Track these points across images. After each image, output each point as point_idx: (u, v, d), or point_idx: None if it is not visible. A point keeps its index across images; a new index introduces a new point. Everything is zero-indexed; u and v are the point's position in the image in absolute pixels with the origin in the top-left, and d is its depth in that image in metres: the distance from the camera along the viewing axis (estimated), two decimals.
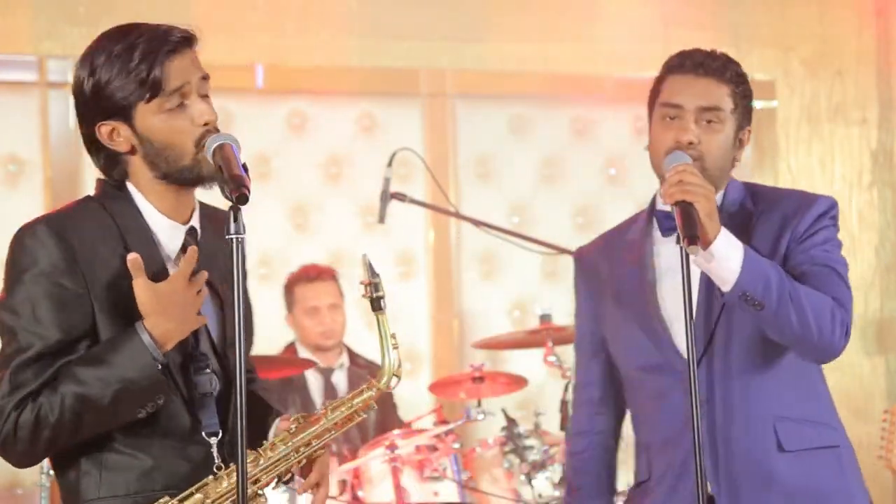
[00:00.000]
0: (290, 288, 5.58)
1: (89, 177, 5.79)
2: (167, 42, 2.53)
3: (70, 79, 5.73)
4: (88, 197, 2.55)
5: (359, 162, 6.12)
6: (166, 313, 2.38)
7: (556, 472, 4.89)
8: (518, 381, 5.08)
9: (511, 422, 4.95)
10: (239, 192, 2.34)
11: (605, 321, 3.01)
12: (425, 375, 6.12)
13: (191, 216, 2.55)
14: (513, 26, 6.25)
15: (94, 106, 2.47)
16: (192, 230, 2.55)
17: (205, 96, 2.52)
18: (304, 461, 2.55)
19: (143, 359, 2.37)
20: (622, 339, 2.97)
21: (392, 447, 4.63)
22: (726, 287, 2.74)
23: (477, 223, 5.02)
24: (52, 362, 2.37)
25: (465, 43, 6.24)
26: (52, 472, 4.26)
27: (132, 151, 2.49)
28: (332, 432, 2.57)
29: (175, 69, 2.49)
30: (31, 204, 5.69)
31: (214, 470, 2.45)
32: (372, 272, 2.54)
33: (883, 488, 6.38)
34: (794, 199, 2.95)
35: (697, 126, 2.88)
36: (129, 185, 2.52)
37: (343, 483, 4.74)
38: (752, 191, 2.99)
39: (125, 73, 2.47)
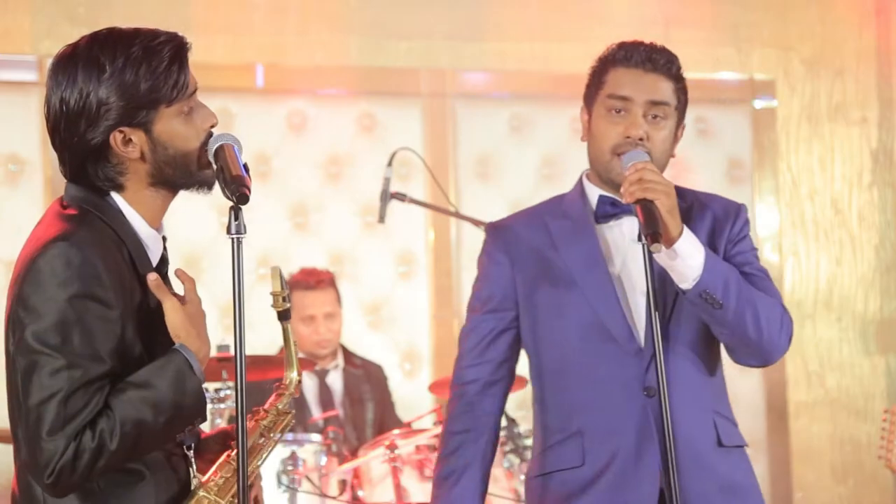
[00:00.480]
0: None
1: None
2: (184, 46, 2.49)
3: None
4: (84, 209, 2.48)
5: (359, 162, 6.12)
6: (199, 335, 2.38)
7: None
8: (518, 381, 5.06)
9: (511, 421, 4.95)
10: (240, 192, 2.35)
11: (537, 296, 2.92)
12: (425, 375, 6.12)
13: (162, 225, 2.52)
14: (513, 26, 6.25)
15: (111, 111, 2.39)
16: (164, 239, 2.53)
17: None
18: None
19: (193, 384, 2.35)
20: (568, 315, 2.88)
21: (392, 447, 4.63)
22: (686, 285, 2.75)
23: (477, 223, 5.02)
24: (101, 387, 2.28)
25: (465, 43, 6.24)
26: None
27: (141, 159, 2.43)
28: (256, 461, 2.52)
29: (188, 75, 2.48)
30: (31, 204, 5.69)
31: (191, 480, 2.44)
32: (283, 284, 2.53)
33: (883, 488, 6.38)
34: (720, 202, 3.00)
35: (645, 121, 2.87)
36: (113, 195, 2.47)
37: (343, 483, 4.75)
38: (678, 190, 2.92)
39: (152, 76, 2.42)
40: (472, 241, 6.09)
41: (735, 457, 2.91)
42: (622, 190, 2.78)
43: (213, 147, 2.44)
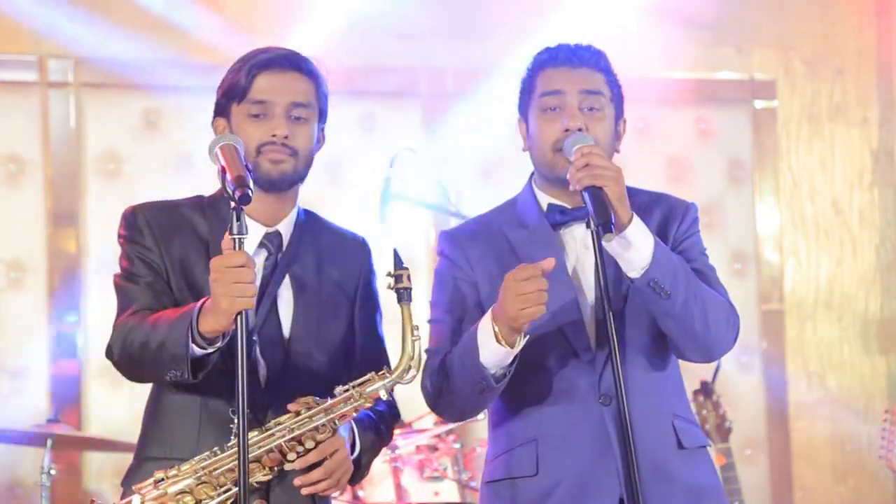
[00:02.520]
0: None
1: (89, 176, 5.80)
2: (265, 58, 2.77)
3: (70, 78, 5.77)
4: (198, 196, 2.87)
5: (360, 162, 6.12)
6: (221, 288, 2.47)
7: None
8: None
9: None
10: (242, 192, 2.39)
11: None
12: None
13: (279, 222, 2.75)
14: (513, 26, 6.25)
15: (216, 102, 2.82)
16: (275, 234, 2.74)
17: (297, 119, 2.75)
18: (312, 444, 2.63)
19: (180, 330, 2.53)
20: (532, 326, 2.80)
21: (392, 447, 4.63)
22: (635, 273, 2.70)
23: None
24: (149, 290, 2.71)
25: (465, 43, 6.24)
26: (52, 471, 4.31)
27: None
28: (334, 414, 2.63)
29: (265, 83, 2.74)
30: (31, 203, 5.69)
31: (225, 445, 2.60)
32: (400, 264, 2.58)
33: (883, 488, 6.38)
34: (668, 200, 2.95)
35: (581, 113, 2.83)
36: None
37: None
38: (626, 187, 2.89)
39: (231, 77, 2.78)
40: None
41: (697, 458, 2.86)
42: (569, 176, 2.73)
43: (214, 148, 2.49)
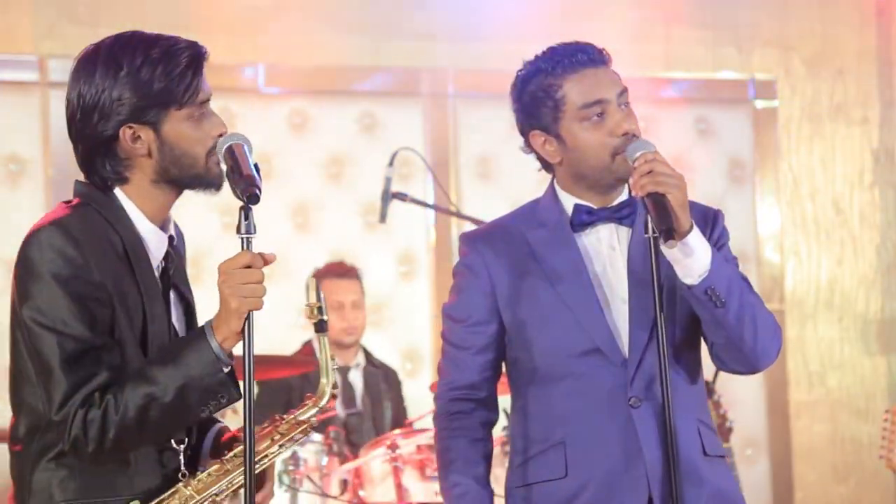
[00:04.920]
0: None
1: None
2: (201, 55, 2.54)
3: None
4: (81, 202, 2.59)
5: (360, 161, 6.12)
6: (231, 292, 2.38)
7: None
8: None
9: None
10: (250, 192, 2.37)
11: (515, 307, 2.81)
12: (426, 375, 6.12)
13: (169, 225, 2.60)
14: (514, 26, 6.25)
15: (123, 107, 2.51)
16: (171, 238, 2.59)
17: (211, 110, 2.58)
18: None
19: (207, 356, 2.39)
20: (551, 324, 2.77)
21: (393, 447, 4.63)
22: (691, 280, 2.66)
23: (478, 223, 5.01)
24: (98, 357, 2.40)
25: (466, 42, 6.24)
26: None
27: (147, 155, 2.52)
28: (266, 461, 2.53)
29: (203, 82, 2.54)
30: (32, 203, 5.69)
31: (180, 477, 2.46)
32: (318, 296, 2.54)
33: (884, 488, 6.38)
34: (697, 208, 2.84)
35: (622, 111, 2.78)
36: (117, 190, 2.56)
37: (344, 483, 4.75)
38: None
39: (167, 77, 2.49)
40: None
41: (719, 465, 2.82)
42: (631, 182, 2.68)
43: (222, 147, 2.47)
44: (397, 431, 4.82)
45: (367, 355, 5.69)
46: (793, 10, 6.60)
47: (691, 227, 2.65)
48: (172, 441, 2.47)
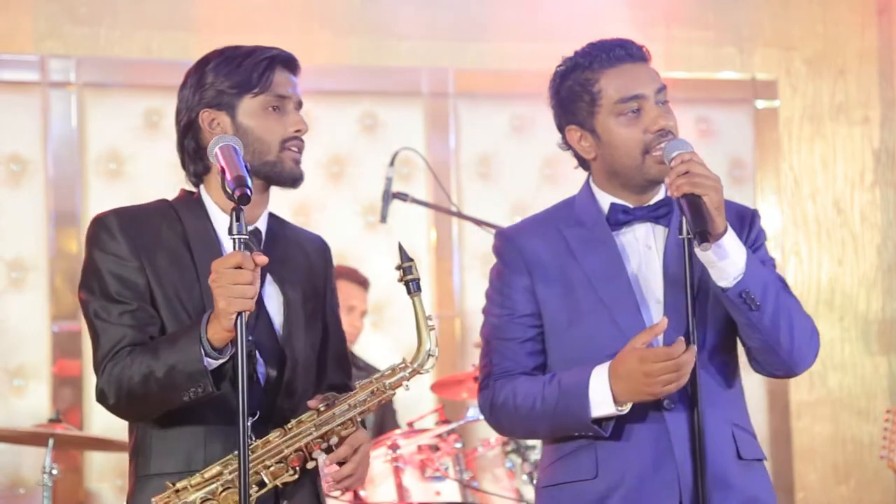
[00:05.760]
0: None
1: (91, 176, 5.81)
2: (281, 56, 2.75)
3: (71, 78, 5.77)
4: (163, 199, 2.77)
5: (361, 161, 6.12)
6: (221, 292, 2.45)
7: None
8: None
9: None
10: (241, 192, 2.39)
11: (554, 303, 2.80)
12: (427, 375, 6.10)
13: (257, 219, 2.74)
14: (514, 26, 6.25)
15: (202, 93, 2.71)
16: (255, 231, 2.72)
17: (299, 114, 2.76)
18: (337, 439, 2.64)
19: (193, 348, 2.49)
20: (587, 323, 2.77)
21: (394, 447, 4.63)
22: (726, 283, 2.64)
23: (478, 223, 5.02)
24: (133, 316, 2.60)
25: (466, 42, 6.24)
26: (54, 471, 4.31)
27: None
28: (357, 409, 2.64)
29: (282, 79, 2.73)
30: (32, 203, 5.69)
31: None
32: (406, 257, 2.61)
33: (885, 488, 6.38)
34: (733, 207, 2.82)
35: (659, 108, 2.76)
36: (202, 190, 2.75)
37: None
38: None
39: (240, 67, 2.71)
40: (474, 241, 6.11)
41: (754, 470, 2.79)
42: (667, 181, 2.66)
43: (213, 148, 2.51)
44: (398, 431, 4.82)
45: (353, 357, 5.69)
46: (794, 11, 6.60)
47: (726, 230, 2.64)
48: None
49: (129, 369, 2.54)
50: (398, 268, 2.62)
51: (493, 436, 5.00)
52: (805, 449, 6.44)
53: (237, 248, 2.43)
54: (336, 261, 5.84)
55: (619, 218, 2.80)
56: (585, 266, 2.79)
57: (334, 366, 2.88)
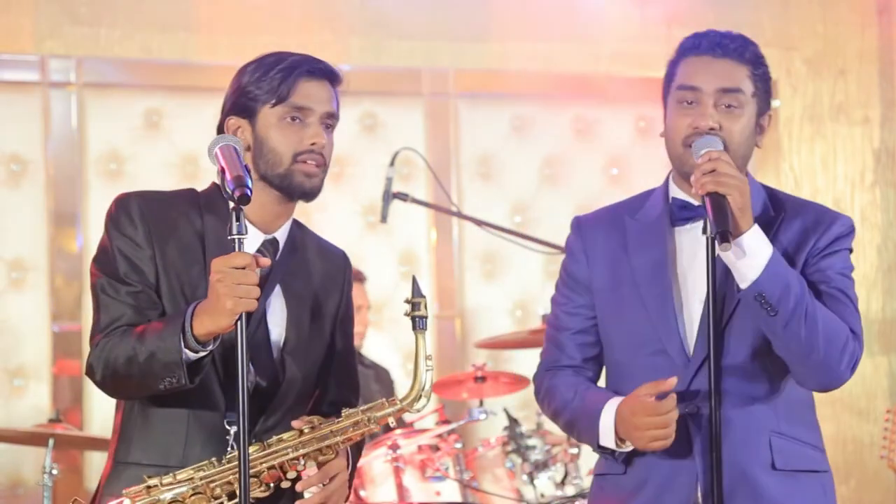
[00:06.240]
0: None
1: (91, 176, 5.81)
2: (307, 65, 2.72)
3: (72, 78, 5.77)
4: (190, 189, 2.77)
5: (361, 161, 6.12)
6: (217, 292, 2.45)
7: (558, 471, 4.89)
8: (520, 381, 5.08)
9: (513, 421, 4.95)
10: (241, 192, 2.39)
11: (603, 296, 2.82)
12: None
13: (276, 230, 2.72)
14: (514, 26, 6.25)
15: (230, 102, 2.73)
16: (272, 241, 2.71)
17: (328, 130, 2.73)
18: (314, 463, 2.61)
19: (171, 337, 2.50)
20: (627, 320, 2.77)
21: (394, 447, 4.63)
22: (744, 284, 2.61)
23: (479, 223, 5.02)
24: (134, 297, 2.61)
25: (467, 43, 6.24)
26: (54, 471, 4.30)
27: (247, 149, 2.68)
28: (339, 438, 2.61)
29: (306, 90, 2.70)
30: (33, 203, 5.69)
31: (223, 455, 2.56)
32: (418, 292, 2.58)
33: (886, 488, 6.38)
34: (816, 212, 2.78)
35: (717, 111, 2.71)
36: None
37: None
38: (772, 195, 2.81)
39: (264, 78, 2.69)
40: (475, 241, 6.11)
41: (795, 482, 2.71)
42: (692, 179, 2.64)
43: (213, 149, 2.50)
44: (398, 432, 4.81)
45: (359, 356, 5.69)
46: (794, 11, 6.60)
47: (749, 229, 2.61)
48: (225, 422, 2.59)
49: (117, 349, 2.56)
50: (408, 301, 2.59)
51: (493, 436, 5.01)
52: None
53: (237, 248, 2.42)
54: None
55: (677, 213, 2.77)
56: (634, 262, 2.79)
57: (339, 382, 2.85)
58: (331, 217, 6.09)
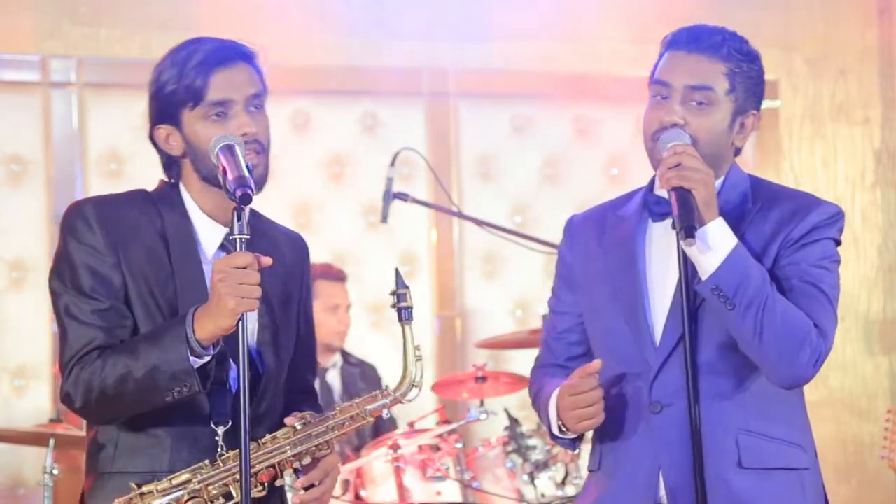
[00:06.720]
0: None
1: (91, 176, 5.81)
2: (217, 54, 2.61)
3: (72, 78, 5.77)
4: (142, 189, 2.72)
5: (362, 161, 6.12)
6: (219, 294, 2.42)
7: (558, 471, 4.89)
8: (520, 381, 5.08)
9: (514, 421, 4.95)
10: (243, 192, 2.39)
11: (584, 293, 2.81)
12: (428, 375, 6.12)
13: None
14: (514, 26, 6.25)
15: (154, 109, 2.65)
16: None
17: (256, 109, 2.63)
18: (310, 459, 2.59)
19: (178, 347, 2.45)
20: (601, 318, 2.76)
21: (395, 447, 4.63)
22: (702, 277, 2.58)
23: (479, 223, 5.02)
24: (104, 317, 2.53)
25: (466, 42, 6.24)
26: (55, 471, 4.31)
27: (183, 155, 2.63)
28: (334, 433, 2.59)
29: (220, 81, 2.59)
30: (33, 203, 5.69)
31: (216, 457, 2.52)
32: (401, 283, 2.57)
33: (886, 488, 6.38)
34: (795, 201, 2.71)
35: (684, 107, 2.66)
36: (181, 186, 2.67)
37: (346, 483, 4.75)
38: (756, 185, 2.76)
39: (177, 80, 2.60)
40: (475, 241, 6.11)
41: (767, 479, 2.66)
42: (658, 173, 2.64)
43: (215, 148, 2.49)
44: (399, 432, 4.82)
45: (345, 355, 5.69)
46: (795, 11, 6.60)
47: (712, 222, 2.58)
48: (212, 422, 2.54)
49: (102, 371, 2.48)
50: (392, 293, 2.57)
51: (493, 436, 5.01)
52: None
53: (240, 248, 2.41)
54: (337, 262, 5.90)
55: (655, 209, 2.74)
56: (608, 259, 2.77)
57: (304, 369, 2.81)
58: (331, 217, 6.09)
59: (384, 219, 4.92)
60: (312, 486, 2.63)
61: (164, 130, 2.64)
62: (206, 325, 2.44)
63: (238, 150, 2.49)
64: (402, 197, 4.92)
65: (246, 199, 2.40)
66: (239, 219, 2.41)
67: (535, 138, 6.35)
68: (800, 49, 6.62)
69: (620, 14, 6.27)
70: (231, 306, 2.40)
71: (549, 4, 6.29)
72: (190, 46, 2.63)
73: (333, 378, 5.61)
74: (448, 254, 6.22)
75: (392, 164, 4.92)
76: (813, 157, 6.62)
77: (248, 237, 2.42)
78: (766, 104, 6.83)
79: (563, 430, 2.73)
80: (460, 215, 5.41)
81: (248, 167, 2.46)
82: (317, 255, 5.90)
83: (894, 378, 6.58)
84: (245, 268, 2.41)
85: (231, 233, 2.42)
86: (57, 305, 2.57)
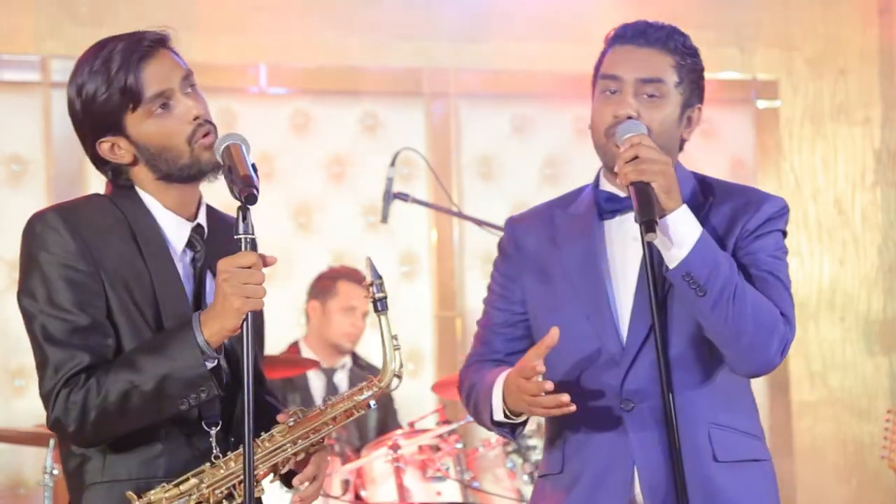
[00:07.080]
0: (331, 280, 5.62)
1: (92, 176, 5.80)
2: (138, 49, 2.54)
3: None
4: (97, 194, 2.60)
5: (362, 161, 6.12)
6: (225, 295, 2.39)
7: None
8: None
9: None
10: (248, 192, 2.37)
11: (535, 290, 2.77)
12: (428, 375, 6.12)
13: (197, 212, 2.60)
14: (515, 26, 6.25)
15: (89, 124, 2.53)
16: (198, 227, 2.60)
17: (192, 89, 2.56)
18: (303, 455, 2.57)
19: (191, 349, 2.40)
20: (561, 313, 2.70)
21: (395, 447, 4.63)
22: (672, 264, 2.56)
23: (479, 223, 5.02)
24: (86, 338, 2.43)
25: (467, 43, 6.24)
26: (55, 471, 4.30)
27: (134, 162, 2.54)
28: (330, 427, 2.57)
29: (151, 74, 2.53)
30: (34, 203, 5.68)
31: (212, 459, 2.49)
32: (375, 273, 2.55)
33: (886, 488, 6.37)
34: (745, 195, 2.75)
35: (637, 100, 2.67)
36: (136, 188, 2.58)
37: (346, 483, 4.75)
38: (702, 180, 2.77)
39: (106, 87, 2.51)
40: (475, 242, 6.11)
41: (739, 472, 2.66)
42: (616, 168, 2.60)
43: (220, 147, 2.47)
44: (399, 432, 4.82)
45: (355, 357, 5.70)
46: (795, 11, 6.60)
47: (676, 209, 2.57)
48: (203, 423, 2.50)
49: (100, 390, 2.39)
50: (367, 285, 2.56)
51: (493, 436, 5.00)
52: (806, 449, 6.44)
53: (245, 248, 2.39)
54: (337, 261, 5.90)
55: (607, 206, 2.74)
56: (564, 256, 2.75)
57: (257, 355, 2.75)
58: (331, 217, 6.09)
59: (384, 219, 4.92)
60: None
61: (107, 143, 2.52)
62: (212, 327, 2.41)
63: (243, 148, 2.48)
64: (403, 197, 4.92)
65: (251, 199, 2.37)
66: (244, 218, 2.39)
67: (535, 138, 6.35)
68: (800, 49, 6.62)
69: (620, 14, 6.26)
70: (236, 306, 2.38)
71: (550, 4, 6.29)
72: (102, 52, 2.54)
73: (341, 379, 5.61)
74: (448, 254, 6.22)
75: (392, 164, 4.92)
76: (813, 157, 6.62)
77: (254, 237, 2.40)
78: (766, 104, 6.90)
79: (508, 415, 2.67)
80: (460, 215, 5.41)
81: (252, 166, 2.44)
82: (317, 256, 5.93)
83: (894, 378, 6.58)
84: (250, 267, 2.40)
85: (236, 232, 2.40)
86: (31, 327, 2.45)
